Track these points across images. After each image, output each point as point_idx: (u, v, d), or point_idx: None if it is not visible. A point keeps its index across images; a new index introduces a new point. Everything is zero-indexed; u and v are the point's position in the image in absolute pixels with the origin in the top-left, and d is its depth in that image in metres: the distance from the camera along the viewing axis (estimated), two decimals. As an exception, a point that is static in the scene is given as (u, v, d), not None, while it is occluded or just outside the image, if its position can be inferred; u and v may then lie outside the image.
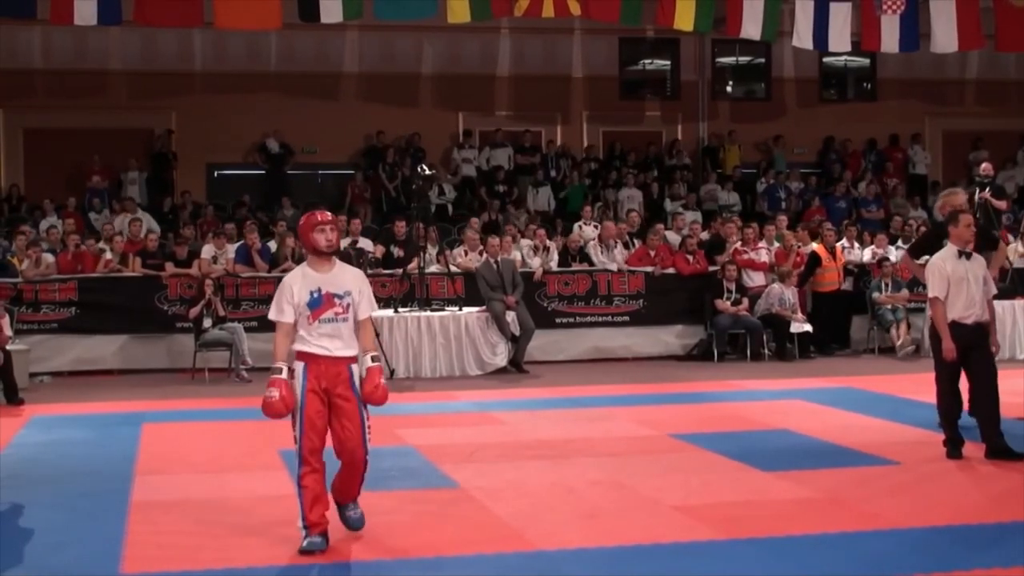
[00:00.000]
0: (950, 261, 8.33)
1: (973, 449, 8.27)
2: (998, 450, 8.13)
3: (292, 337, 6.11)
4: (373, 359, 6.17)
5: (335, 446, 6.11)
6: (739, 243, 16.11)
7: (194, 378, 13.82)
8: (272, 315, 6.19)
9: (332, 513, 6.17)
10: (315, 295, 6.08)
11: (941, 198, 10.11)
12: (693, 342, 15.58)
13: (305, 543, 5.95)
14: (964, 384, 8.41)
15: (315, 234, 6.13)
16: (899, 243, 17.02)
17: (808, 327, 15.21)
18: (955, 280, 8.23)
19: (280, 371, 5.98)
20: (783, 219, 17.52)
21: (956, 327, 8.17)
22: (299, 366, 6.05)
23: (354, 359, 6.17)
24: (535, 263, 15.56)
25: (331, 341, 6.07)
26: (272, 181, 20.57)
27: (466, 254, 15.36)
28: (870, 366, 14.52)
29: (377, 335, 13.31)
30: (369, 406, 6.13)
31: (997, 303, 10.82)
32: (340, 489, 6.26)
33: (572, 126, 22.27)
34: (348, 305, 6.11)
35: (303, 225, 6.23)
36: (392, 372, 13.50)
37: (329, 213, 6.34)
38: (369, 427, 6.13)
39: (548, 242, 16.06)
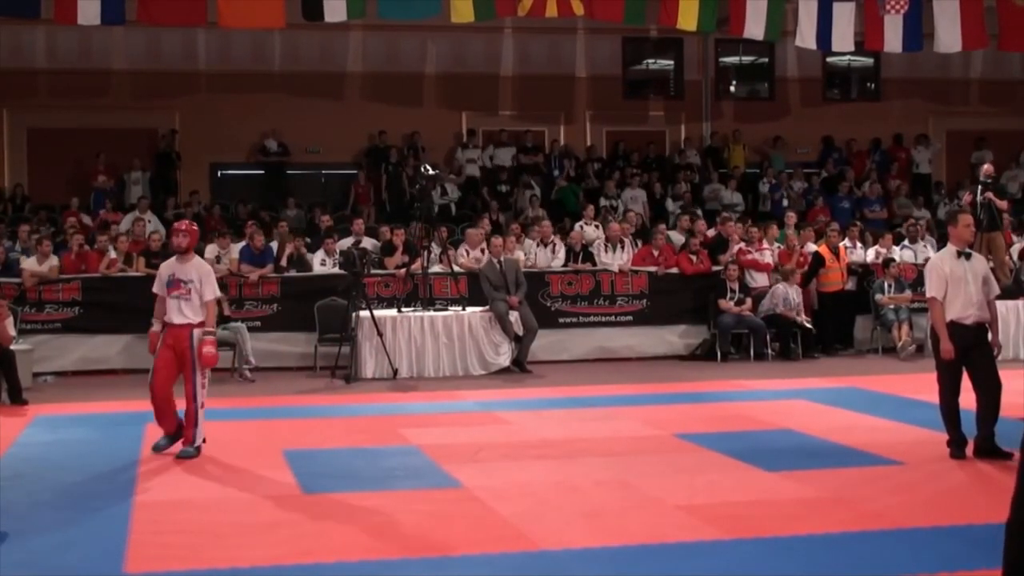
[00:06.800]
0: (948, 261, 8.31)
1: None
2: (986, 449, 8.12)
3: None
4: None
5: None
6: (743, 243, 16.09)
7: (198, 378, 13.80)
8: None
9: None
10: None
11: None
12: (697, 342, 15.57)
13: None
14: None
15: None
16: (905, 243, 16.99)
17: (808, 324, 15.23)
18: (953, 280, 8.20)
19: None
20: (792, 216, 17.43)
21: (955, 327, 8.15)
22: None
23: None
24: (544, 255, 15.57)
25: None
26: (275, 181, 20.56)
27: (468, 254, 15.36)
28: (874, 366, 14.50)
29: (380, 335, 13.44)
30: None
31: (1001, 303, 10.84)
32: None
33: (576, 126, 22.27)
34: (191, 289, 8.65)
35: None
36: (395, 372, 13.52)
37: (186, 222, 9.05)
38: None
39: (554, 237, 16.03)
